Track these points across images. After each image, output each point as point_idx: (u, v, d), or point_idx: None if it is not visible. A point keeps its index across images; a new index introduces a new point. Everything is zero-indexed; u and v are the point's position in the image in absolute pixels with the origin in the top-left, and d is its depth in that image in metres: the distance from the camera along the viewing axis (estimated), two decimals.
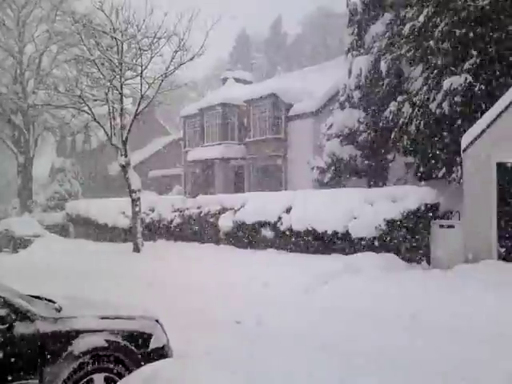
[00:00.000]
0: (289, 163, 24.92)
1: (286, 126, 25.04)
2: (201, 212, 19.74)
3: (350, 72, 18.34)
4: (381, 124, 16.98)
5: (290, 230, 15.66)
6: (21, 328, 4.13)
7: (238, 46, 61.67)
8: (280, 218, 16.08)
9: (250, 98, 26.37)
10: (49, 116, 33.99)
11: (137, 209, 18.38)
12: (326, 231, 14.54)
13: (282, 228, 15.92)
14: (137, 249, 18.13)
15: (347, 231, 13.94)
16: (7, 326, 4.06)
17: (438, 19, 13.64)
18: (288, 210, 15.93)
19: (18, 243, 24.27)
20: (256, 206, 17.20)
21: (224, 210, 18.69)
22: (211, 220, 19.04)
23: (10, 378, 4.03)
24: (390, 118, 15.73)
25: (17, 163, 34.46)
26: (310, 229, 14.98)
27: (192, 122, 30.92)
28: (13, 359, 4.05)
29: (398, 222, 12.99)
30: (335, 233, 14.31)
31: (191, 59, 18.11)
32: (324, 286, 10.55)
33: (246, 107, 26.87)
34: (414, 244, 12.89)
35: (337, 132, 18.50)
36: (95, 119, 18.90)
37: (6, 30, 32.36)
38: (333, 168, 18.53)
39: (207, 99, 30.18)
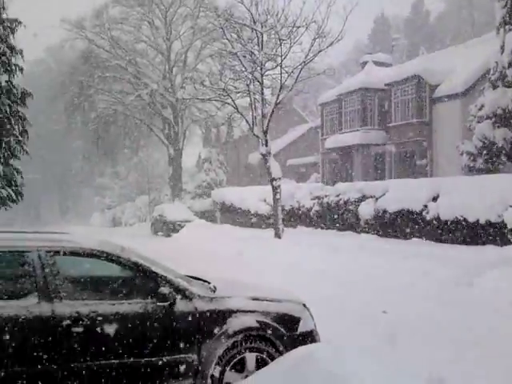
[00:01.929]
0: (434, 148, 23.63)
1: (430, 109, 23.75)
2: (340, 200, 19.59)
3: (502, 48, 16.94)
4: None
5: (437, 218, 14.86)
6: (181, 306, 4.37)
7: (377, 27, 59.60)
8: (426, 207, 15.34)
9: (392, 80, 25.43)
10: (195, 109, 36.11)
11: (277, 196, 18.72)
12: (477, 220, 13.55)
13: (428, 217, 15.17)
14: (278, 235, 18.51)
15: (502, 221, 12.86)
16: (169, 303, 4.34)
17: None
18: (435, 198, 15.12)
19: (170, 227, 26.27)
20: (398, 193, 16.61)
21: (364, 197, 18.34)
22: (351, 208, 18.82)
23: (171, 352, 4.29)
24: None
25: (168, 154, 37.13)
26: (460, 218, 14.06)
27: (330, 108, 30.70)
28: (174, 334, 4.32)
29: None
30: (488, 222, 13.28)
31: (330, 45, 17.86)
32: (477, 279, 9.82)
33: (387, 91, 25.95)
34: None
35: (488, 113, 17.16)
36: (238, 111, 19.57)
37: (156, 29, 34.98)
38: (485, 152, 17.23)
39: (346, 84, 29.72)
